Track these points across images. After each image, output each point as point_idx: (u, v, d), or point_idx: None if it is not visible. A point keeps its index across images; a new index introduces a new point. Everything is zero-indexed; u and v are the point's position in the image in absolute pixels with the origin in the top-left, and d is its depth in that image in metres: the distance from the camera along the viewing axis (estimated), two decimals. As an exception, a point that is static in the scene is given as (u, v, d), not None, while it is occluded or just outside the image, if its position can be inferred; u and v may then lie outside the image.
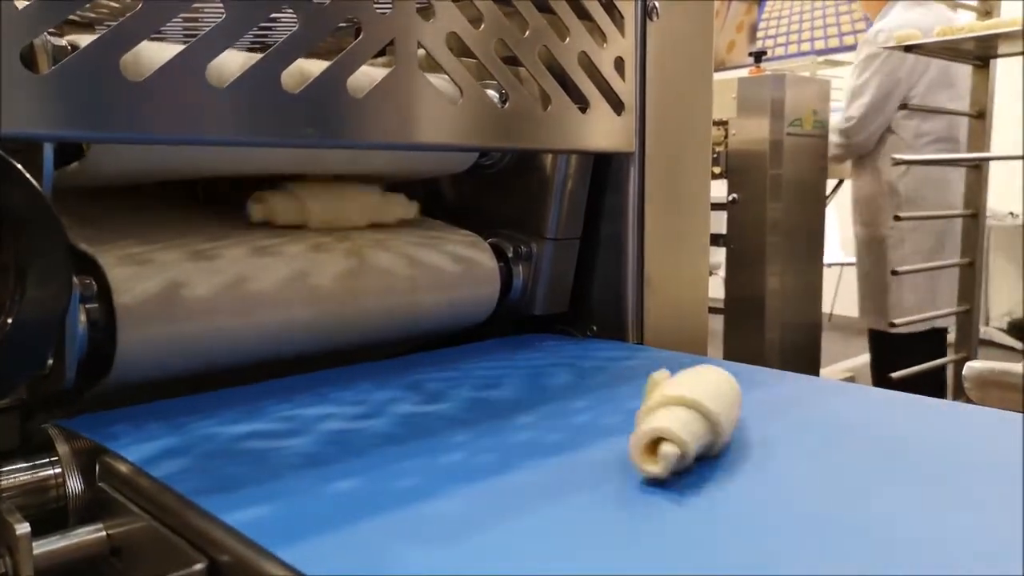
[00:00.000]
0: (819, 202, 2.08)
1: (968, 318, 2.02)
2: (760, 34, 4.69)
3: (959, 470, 0.39)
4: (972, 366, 0.76)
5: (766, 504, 0.35)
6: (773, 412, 0.49)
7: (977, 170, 1.98)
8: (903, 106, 1.94)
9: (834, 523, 0.33)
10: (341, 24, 0.47)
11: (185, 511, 0.34)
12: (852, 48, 4.12)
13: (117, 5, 0.62)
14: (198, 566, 0.32)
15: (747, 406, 0.50)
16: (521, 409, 0.48)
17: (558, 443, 0.43)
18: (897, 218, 1.78)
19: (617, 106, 0.63)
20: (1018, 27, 1.60)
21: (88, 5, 0.40)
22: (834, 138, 2.12)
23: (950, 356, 2.11)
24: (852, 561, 0.30)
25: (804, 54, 4.32)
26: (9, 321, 0.34)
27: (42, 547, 0.37)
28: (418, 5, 0.49)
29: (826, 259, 2.17)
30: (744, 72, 2.18)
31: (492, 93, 0.55)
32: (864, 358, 3.07)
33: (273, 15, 0.50)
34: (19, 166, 0.35)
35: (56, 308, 0.35)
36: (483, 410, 0.48)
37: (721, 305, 2.01)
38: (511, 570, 0.30)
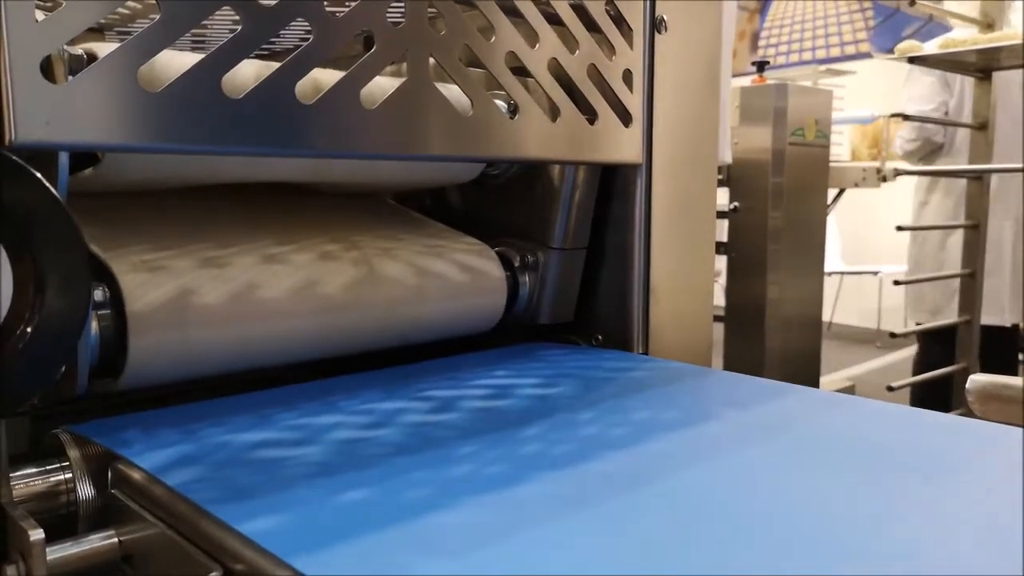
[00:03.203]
0: (820, 211, 2.08)
1: (969, 328, 2.02)
2: (762, 43, 4.70)
3: (958, 483, 0.40)
4: (975, 379, 0.76)
5: (771, 515, 0.36)
6: (773, 426, 0.49)
7: (979, 181, 1.98)
8: (905, 117, 1.94)
9: (834, 537, 0.34)
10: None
11: (199, 520, 0.34)
12: (854, 57, 4.14)
13: (127, 12, 0.62)
14: (213, 575, 0.32)
15: (749, 419, 0.51)
16: (529, 420, 0.49)
17: (566, 455, 0.43)
18: (899, 228, 1.79)
19: (625, 118, 0.63)
20: (1019, 40, 1.61)
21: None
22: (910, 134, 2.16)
23: (950, 366, 2.12)
24: (854, 570, 0.30)
25: (806, 63, 4.33)
26: (29, 330, 0.34)
27: (55, 553, 0.37)
28: (429, 14, 0.50)
29: (826, 268, 2.17)
30: (746, 81, 2.18)
31: (501, 104, 0.56)
32: (864, 367, 3.07)
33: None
34: (38, 174, 0.35)
35: (75, 316, 0.35)
36: (491, 421, 0.49)
37: (722, 313, 2.02)
38: (522, 581, 0.30)
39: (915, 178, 2.22)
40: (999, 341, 2.20)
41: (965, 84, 2.09)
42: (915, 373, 2.27)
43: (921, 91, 2.15)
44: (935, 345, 2.17)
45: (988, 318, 2.14)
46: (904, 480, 0.40)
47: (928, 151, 2.20)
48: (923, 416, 0.51)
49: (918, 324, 2.14)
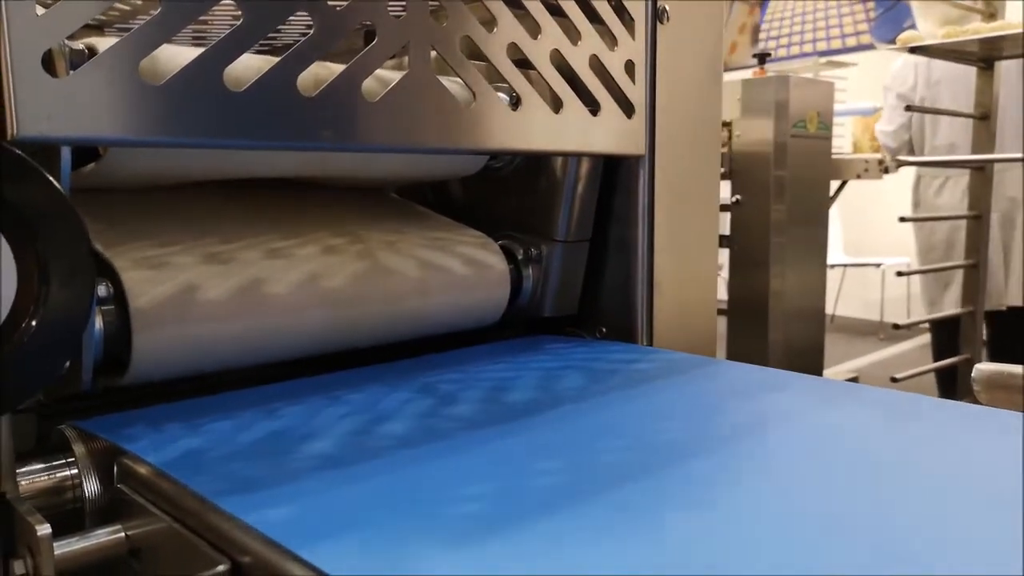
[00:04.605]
0: (822, 203, 2.08)
1: (972, 319, 2.02)
2: (762, 35, 4.69)
3: (961, 470, 0.40)
4: (981, 368, 0.76)
5: (775, 507, 0.35)
6: (779, 414, 0.49)
7: (981, 172, 1.98)
8: (908, 107, 1.94)
9: (839, 526, 0.33)
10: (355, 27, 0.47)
11: (206, 512, 0.34)
12: (854, 49, 4.13)
13: (128, 8, 0.62)
14: (221, 567, 0.32)
15: (753, 407, 0.50)
16: (535, 412, 0.49)
17: (573, 446, 0.43)
18: (902, 219, 1.78)
19: (627, 109, 0.63)
20: (1021, 30, 1.60)
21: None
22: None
23: (951, 357, 2.12)
24: (854, 561, 0.30)
25: (807, 55, 4.33)
26: (33, 324, 0.34)
27: (62, 548, 0.37)
28: (431, 7, 0.50)
29: (829, 260, 2.17)
30: (747, 74, 2.18)
31: (503, 96, 0.56)
32: (868, 358, 3.07)
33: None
34: (40, 168, 0.35)
35: (79, 310, 0.35)
36: (497, 413, 0.49)
37: (724, 306, 2.02)
38: (529, 571, 0.30)
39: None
40: (1009, 327, 2.21)
41: (934, 77, 2.12)
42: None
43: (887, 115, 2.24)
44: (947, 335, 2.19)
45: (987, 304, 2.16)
46: (911, 469, 0.40)
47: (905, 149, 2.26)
48: (930, 403, 0.51)
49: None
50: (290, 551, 0.30)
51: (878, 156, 2.32)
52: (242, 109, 0.42)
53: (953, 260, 2.13)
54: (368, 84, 0.47)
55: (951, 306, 2.14)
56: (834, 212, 2.26)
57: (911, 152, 2.26)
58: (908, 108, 1.95)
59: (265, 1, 0.43)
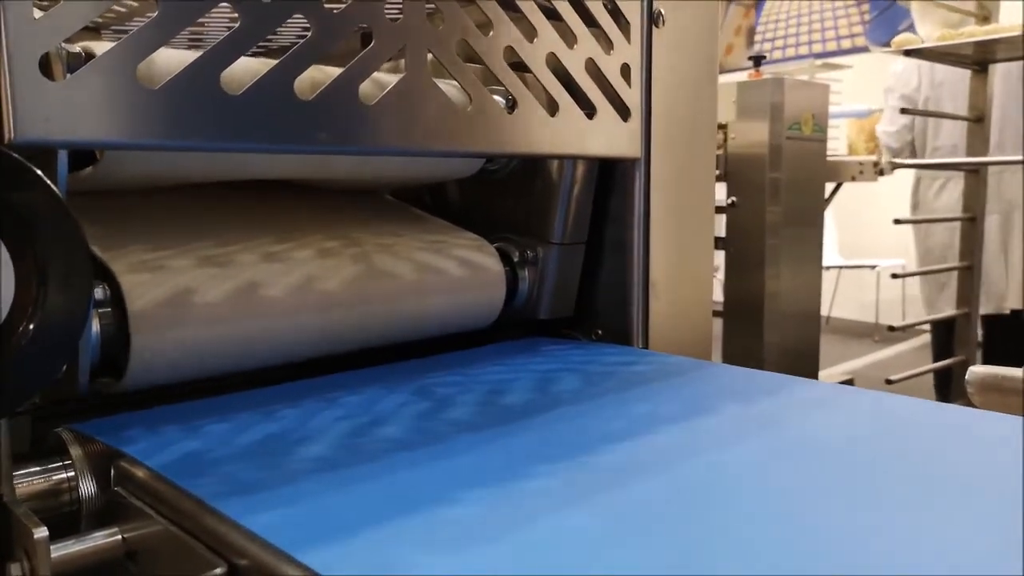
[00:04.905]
0: (818, 205, 2.08)
1: (967, 321, 2.03)
2: (758, 38, 4.70)
3: (955, 472, 0.40)
4: (975, 371, 0.76)
5: (771, 509, 0.36)
6: (774, 417, 0.49)
7: (975, 174, 1.99)
8: (904, 110, 1.95)
9: (835, 528, 0.34)
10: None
11: (203, 515, 0.35)
12: (850, 51, 4.14)
13: (124, 10, 0.62)
14: (218, 570, 0.32)
15: (749, 411, 0.51)
16: (531, 414, 0.49)
17: (568, 449, 0.43)
18: (897, 221, 1.79)
19: (623, 112, 0.63)
20: (1017, 32, 1.61)
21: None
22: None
23: (949, 359, 2.12)
24: (851, 562, 0.30)
25: (802, 57, 4.33)
26: (31, 327, 0.34)
27: (59, 551, 0.37)
28: (427, 10, 0.50)
29: (824, 262, 2.17)
30: (743, 76, 2.19)
31: (499, 99, 0.56)
32: (863, 360, 3.07)
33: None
34: (38, 171, 0.35)
35: (77, 312, 0.35)
36: (493, 415, 0.49)
37: (720, 308, 2.02)
38: (526, 573, 0.30)
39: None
40: (1003, 330, 2.22)
41: (937, 79, 2.13)
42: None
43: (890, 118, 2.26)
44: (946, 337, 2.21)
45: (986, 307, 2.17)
46: (906, 471, 0.40)
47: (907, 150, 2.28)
48: (924, 406, 0.51)
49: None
50: (287, 554, 0.31)
51: (873, 158, 2.32)
52: (239, 112, 0.42)
53: (951, 262, 2.14)
54: (365, 87, 0.47)
55: (949, 308, 2.14)
56: (829, 214, 2.27)
57: (913, 153, 2.27)
58: (904, 111, 1.96)
59: (262, 4, 0.43)
